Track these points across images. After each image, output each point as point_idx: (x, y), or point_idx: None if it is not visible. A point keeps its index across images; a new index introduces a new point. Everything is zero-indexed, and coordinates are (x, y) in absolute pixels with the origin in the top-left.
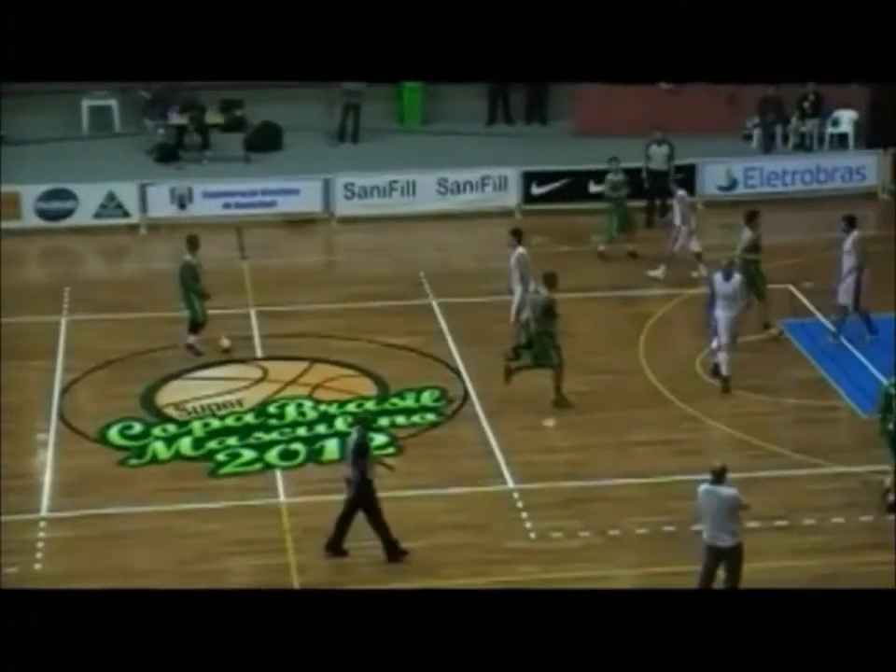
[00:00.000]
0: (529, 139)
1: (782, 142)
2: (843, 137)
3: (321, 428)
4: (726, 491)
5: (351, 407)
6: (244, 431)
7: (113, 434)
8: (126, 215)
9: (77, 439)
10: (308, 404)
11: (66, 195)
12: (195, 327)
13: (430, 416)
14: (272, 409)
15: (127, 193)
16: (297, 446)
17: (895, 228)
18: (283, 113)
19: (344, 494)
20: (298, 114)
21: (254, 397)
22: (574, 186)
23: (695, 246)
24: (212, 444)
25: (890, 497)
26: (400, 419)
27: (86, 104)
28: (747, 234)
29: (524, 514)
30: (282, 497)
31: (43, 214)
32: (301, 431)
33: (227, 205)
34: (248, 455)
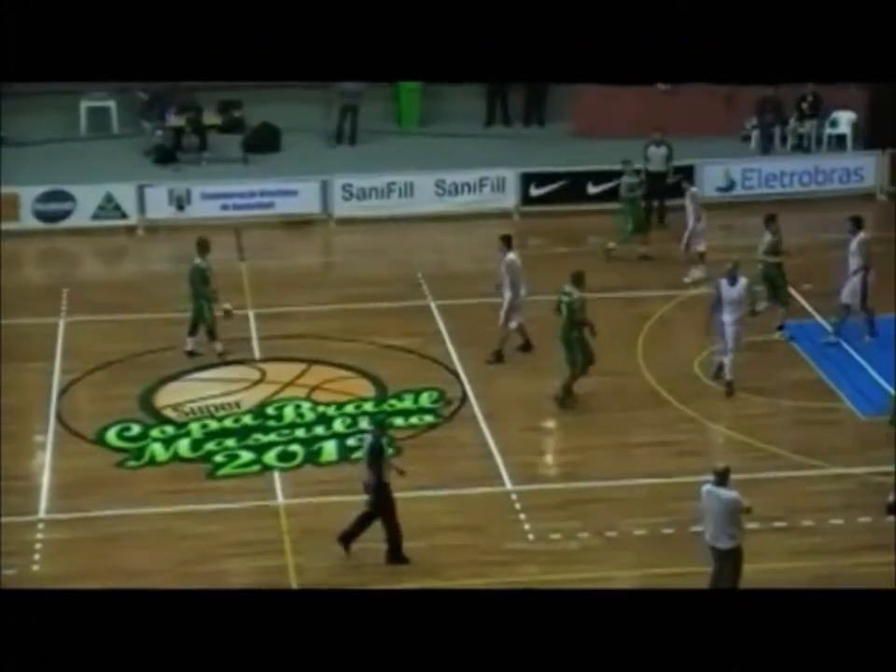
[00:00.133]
0: (527, 140)
1: (780, 143)
2: (841, 138)
3: (319, 430)
4: (727, 494)
5: (349, 408)
6: (242, 433)
7: (111, 435)
8: (124, 216)
9: (75, 440)
10: (306, 405)
11: (64, 196)
12: (195, 329)
13: (429, 418)
14: (270, 410)
15: (125, 195)
16: (295, 447)
17: (894, 229)
18: (281, 114)
19: (363, 497)
20: (296, 115)
21: (252, 398)
22: (572, 187)
23: (700, 246)
24: (210, 446)
25: (890, 497)
26: (399, 420)
27: (84, 105)
28: (767, 237)
29: (522, 516)
30: (280, 499)
31: (41, 215)
32: (300, 433)
33: (225, 207)
34: (246, 456)
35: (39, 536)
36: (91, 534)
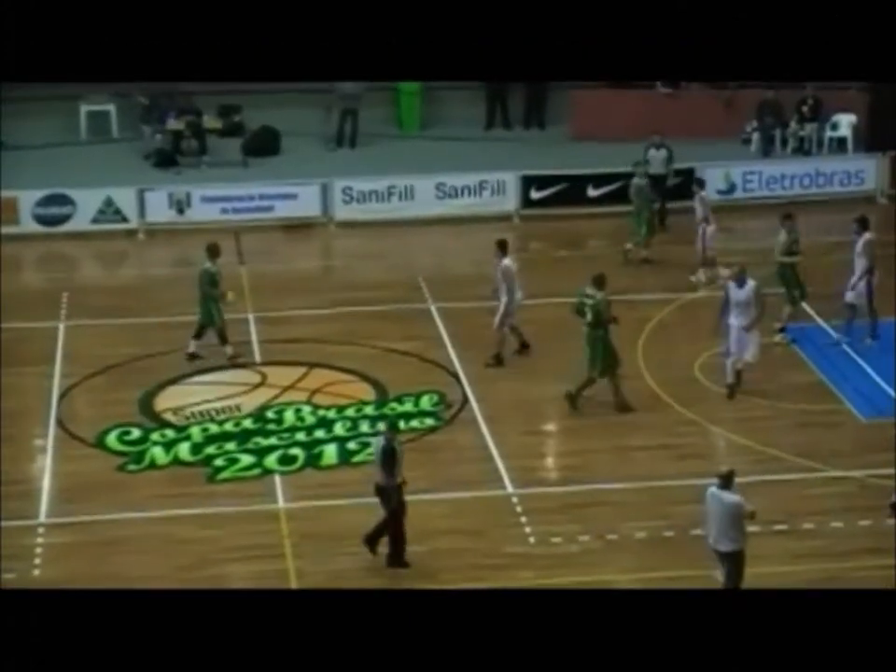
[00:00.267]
0: (527, 143)
1: (781, 146)
2: (842, 141)
3: (320, 433)
4: (730, 497)
5: (350, 412)
6: (242, 436)
7: (111, 439)
8: (124, 220)
9: (75, 444)
10: (307, 409)
11: (64, 200)
12: (200, 333)
13: (429, 421)
14: (270, 414)
15: (125, 198)
16: (295, 451)
17: (895, 232)
18: (281, 118)
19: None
20: (296, 119)
21: (252, 402)
22: (572, 190)
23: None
24: (210, 449)
25: (893, 498)
26: (399, 424)
27: (84, 109)
28: (782, 237)
29: (523, 519)
30: (280, 503)
31: (41, 219)
32: (300, 436)
33: (225, 210)
34: (247, 460)
35: (39, 540)
36: (92, 538)
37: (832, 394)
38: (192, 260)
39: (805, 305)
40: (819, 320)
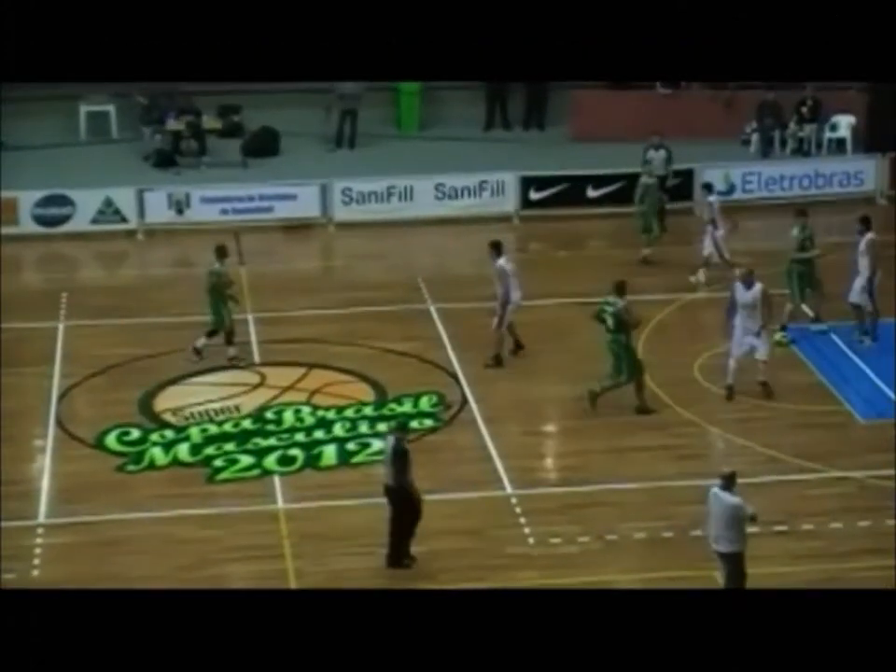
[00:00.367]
0: (527, 144)
1: (780, 147)
2: (841, 142)
3: (319, 434)
4: (729, 499)
5: (349, 412)
6: (241, 437)
7: (111, 440)
8: (123, 220)
9: (74, 444)
10: (306, 410)
11: (64, 201)
12: (213, 333)
13: (428, 422)
14: (269, 414)
15: (124, 199)
16: (295, 452)
17: (894, 232)
18: (280, 118)
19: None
20: (295, 119)
21: (252, 402)
22: (572, 191)
23: (707, 250)
24: (210, 450)
25: None
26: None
27: (83, 109)
28: (794, 234)
29: (522, 520)
30: (280, 503)
31: (40, 220)
32: (299, 437)
33: (224, 211)
34: (246, 460)
35: (39, 540)
36: (91, 538)
37: (830, 395)
38: (192, 261)
39: (804, 307)
40: (818, 321)
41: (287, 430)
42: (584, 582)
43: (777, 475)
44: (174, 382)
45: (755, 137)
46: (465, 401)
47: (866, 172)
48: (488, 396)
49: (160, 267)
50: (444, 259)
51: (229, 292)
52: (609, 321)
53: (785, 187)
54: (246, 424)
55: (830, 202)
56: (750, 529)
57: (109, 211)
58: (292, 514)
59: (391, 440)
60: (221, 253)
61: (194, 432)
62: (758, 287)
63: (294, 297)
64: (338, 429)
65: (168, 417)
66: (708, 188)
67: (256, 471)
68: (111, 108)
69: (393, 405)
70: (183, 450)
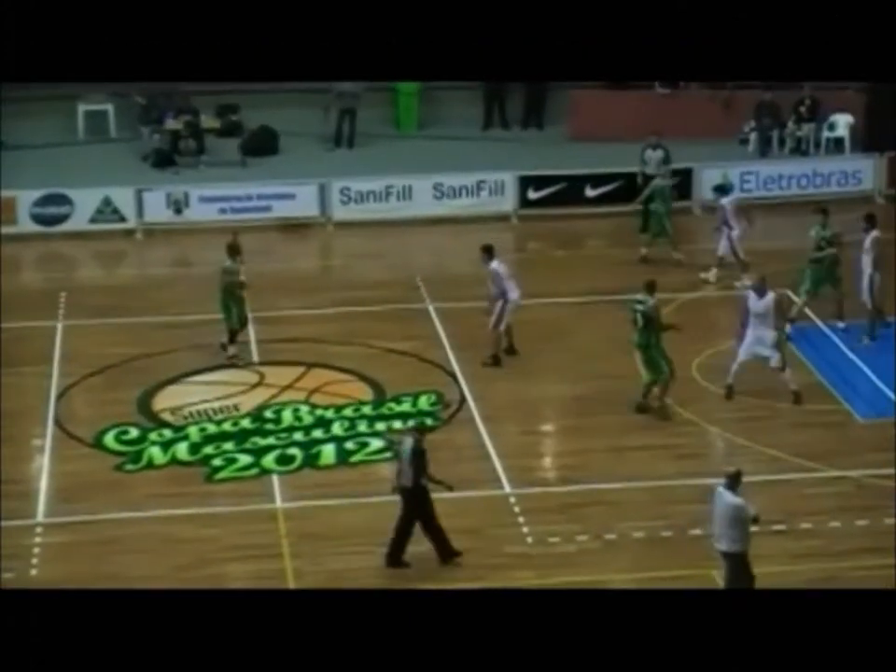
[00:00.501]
0: (525, 144)
1: (779, 146)
2: (839, 141)
3: (318, 433)
4: (731, 498)
5: (348, 412)
6: (240, 436)
7: (109, 439)
8: (122, 220)
9: (73, 444)
10: (305, 409)
11: (62, 200)
12: (235, 333)
13: (427, 421)
14: (268, 414)
15: (123, 198)
16: (293, 451)
17: (894, 232)
18: (279, 118)
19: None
20: (294, 118)
21: (250, 401)
22: (570, 190)
23: (722, 251)
24: (208, 449)
25: None
26: (397, 424)
27: (82, 109)
28: (812, 233)
29: (521, 519)
30: (278, 502)
31: (39, 219)
32: (298, 436)
33: (223, 210)
34: (245, 459)
35: (37, 539)
36: (90, 537)
37: (829, 394)
38: (190, 260)
39: (805, 308)
40: (818, 321)
41: (285, 429)
42: (583, 582)
43: (776, 474)
44: (172, 381)
45: (753, 137)
46: (463, 400)
47: (864, 171)
48: (487, 395)
49: (158, 266)
50: (443, 258)
51: (240, 292)
52: (640, 320)
53: (783, 186)
54: (245, 423)
55: (828, 201)
56: (750, 529)
57: (108, 210)
58: (291, 513)
59: (409, 440)
60: (233, 250)
61: (193, 431)
62: (770, 295)
63: (293, 296)
64: (336, 428)
65: (167, 416)
66: (722, 189)
67: (254, 470)
68: (109, 108)
69: (391, 404)
70: (181, 449)
